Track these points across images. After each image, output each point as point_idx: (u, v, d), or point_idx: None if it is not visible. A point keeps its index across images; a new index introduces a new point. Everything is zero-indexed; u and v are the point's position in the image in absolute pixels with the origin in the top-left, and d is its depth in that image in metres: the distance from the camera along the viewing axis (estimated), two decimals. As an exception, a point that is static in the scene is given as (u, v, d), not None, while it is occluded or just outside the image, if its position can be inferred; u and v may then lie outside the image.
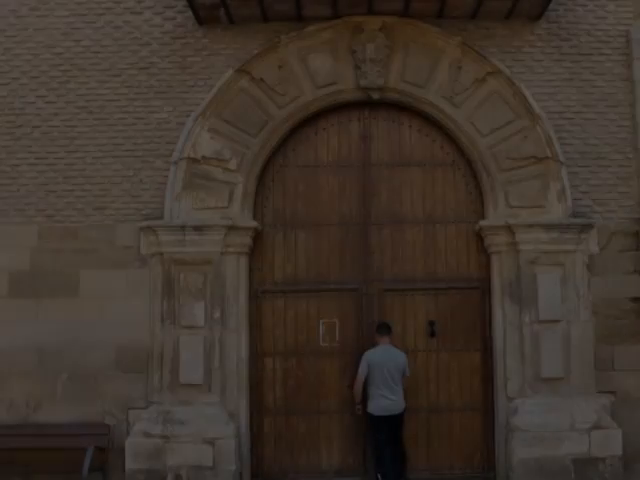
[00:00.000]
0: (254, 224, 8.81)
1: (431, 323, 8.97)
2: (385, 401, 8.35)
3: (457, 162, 9.16)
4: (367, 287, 8.99)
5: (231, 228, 8.64)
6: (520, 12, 8.80)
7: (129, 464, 8.32)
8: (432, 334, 8.97)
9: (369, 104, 9.12)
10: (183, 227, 8.60)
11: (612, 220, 8.90)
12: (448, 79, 8.88)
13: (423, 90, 8.89)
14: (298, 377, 8.93)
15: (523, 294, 8.67)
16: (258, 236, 8.96)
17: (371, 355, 8.47)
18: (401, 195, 9.12)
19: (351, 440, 8.88)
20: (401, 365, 8.49)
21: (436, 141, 9.18)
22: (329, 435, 8.89)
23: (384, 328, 8.64)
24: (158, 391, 8.54)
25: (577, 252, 8.76)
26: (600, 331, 8.77)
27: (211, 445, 8.34)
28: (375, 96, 8.96)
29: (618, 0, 9.08)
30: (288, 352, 8.94)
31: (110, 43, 8.92)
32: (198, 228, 8.60)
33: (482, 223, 8.89)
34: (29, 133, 8.89)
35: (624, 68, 9.01)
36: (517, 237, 8.68)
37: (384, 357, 8.43)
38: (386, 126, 9.18)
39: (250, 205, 8.92)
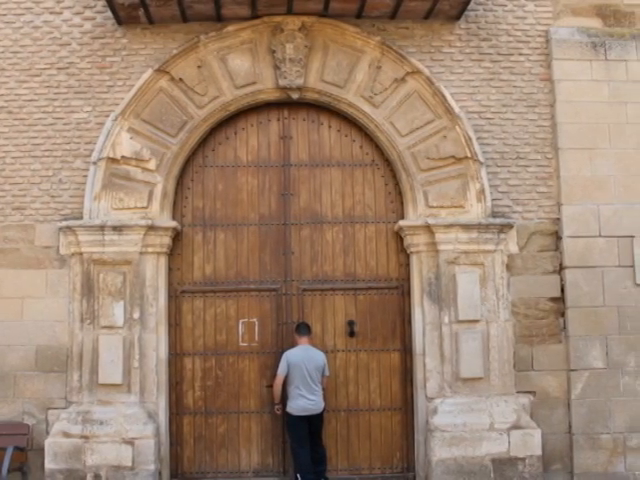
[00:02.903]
0: (173, 224, 8.80)
1: (350, 323, 8.97)
2: (304, 401, 8.33)
3: (376, 162, 9.16)
4: (286, 287, 8.99)
5: (150, 228, 8.62)
6: (439, 12, 8.78)
7: (48, 464, 8.29)
8: (351, 334, 8.96)
9: (289, 104, 9.11)
10: (102, 227, 8.58)
11: (531, 220, 8.90)
12: (367, 79, 8.86)
13: (342, 90, 8.87)
14: (217, 377, 8.91)
15: (442, 294, 8.67)
16: (177, 236, 8.96)
17: (290, 355, 8.45)
18: (321, 195, 9.11)
19: (270, 440, 8.87)
20: (320, 365, 8.48)
21: (356, 141, 9.17)
22: (248, 435, 8.89)
23: (303, 328, 8.64)
24: (77, 391, 8.52)
25: (496, 252, 8.75)
26: (520, 331, 8.78)
27: (130, 445, 8.32)
28: (294, 96, 8.94)
29: (537, 0, 9.08)
30: (207, 352, 8.93)
31: (29, 43, 8.89)
32: (117, 228, 8.59)
33: (401, 223, 8.87)
34: (-52, 133, 8.90)
35: (543, 68, 9.03)
36: (436, 237, 8.67)
37: (303, 357, 8.41)
38: (306, 126, 9.16)
39: (169, 205, 8.91)
